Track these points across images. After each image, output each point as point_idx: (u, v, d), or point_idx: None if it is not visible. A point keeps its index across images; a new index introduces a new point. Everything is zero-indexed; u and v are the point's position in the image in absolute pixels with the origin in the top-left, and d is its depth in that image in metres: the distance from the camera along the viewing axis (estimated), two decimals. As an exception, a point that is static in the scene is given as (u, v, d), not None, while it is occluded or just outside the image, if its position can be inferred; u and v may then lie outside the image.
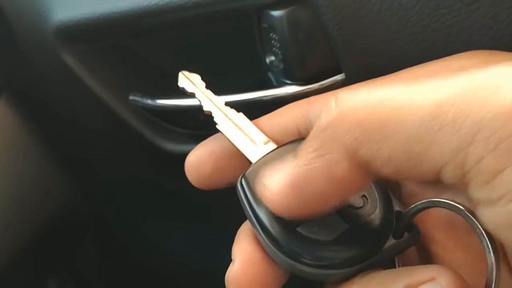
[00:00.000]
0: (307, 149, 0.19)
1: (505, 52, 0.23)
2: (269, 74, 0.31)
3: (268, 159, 0.23)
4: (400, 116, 0.16)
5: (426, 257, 0.23)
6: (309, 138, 0.19)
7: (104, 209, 0.47)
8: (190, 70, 0.36)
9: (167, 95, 0.35)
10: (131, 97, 0.36)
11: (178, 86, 0.28)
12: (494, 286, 0.19)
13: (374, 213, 0.22)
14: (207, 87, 0.27)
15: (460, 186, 0.17)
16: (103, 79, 0.36)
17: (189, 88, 0.27)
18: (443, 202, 0.20)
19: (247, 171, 0.23)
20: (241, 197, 0.23)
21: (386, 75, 0.24)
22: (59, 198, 0.42)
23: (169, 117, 0.37)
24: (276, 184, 0.20)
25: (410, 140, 0.16)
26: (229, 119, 0.25)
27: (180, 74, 0.27)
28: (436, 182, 0.18)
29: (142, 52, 0.36)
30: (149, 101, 0.35)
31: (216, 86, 0.32)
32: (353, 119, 0.18)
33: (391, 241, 0.21)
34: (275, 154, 0.24)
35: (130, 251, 0.50)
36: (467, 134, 0.15)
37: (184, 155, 0.37)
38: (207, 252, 0.45)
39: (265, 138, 0.25)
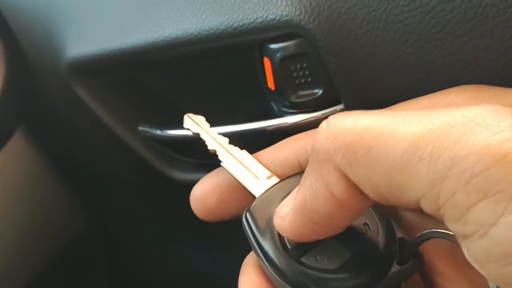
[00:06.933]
0: (307, 174, 0.20)
1: (492, 88, 0.24)
2: (272, 104, 0.32)
3: (271, 193, 0.24)
4: (384, 145, 0.17)
5: None
6: (309, 162, 0.20)
7: (114, 234, 0.48)
8: (196, 101, 0.37)
9: (174, 126, 0.36)
10: (140, 128, 0.38)
11: (184, 117, 0.29)
12: None
13: (377, 240, 0.22)
14: (211, 125, 0.28)
15: (438, 218, 0.17)
16: (114, 111, 0.38)
17: (193, 129, 0.28)
18: (446, 233, 0.20)
19: (252, 205, 0.24)
20: (246, 230, 0.24)
21: (381, 109, 0.25)
22: (71, 225, 0.43)
23: (176, 147, 0.38)
24: (286, 211, 0.21)
25: (393, 170, 0.17)
26: (233, 156, 0.26)
27: (185, 116, 0.28)
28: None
29: (151, 84, 0.38)
30: (158, 132, 0.37)
31: (222, 117, 0.33)
32: (342, 140, 0.18)
33: (395, 267, 0.22)
34: (277, 188, 0.25)
35: (141, 274, 0.51)
36: (442, 169, 0.16)
37: (190, 183, 0.38)
38: (215, 269, 0.46)
39: (268, 173, 0.26)
